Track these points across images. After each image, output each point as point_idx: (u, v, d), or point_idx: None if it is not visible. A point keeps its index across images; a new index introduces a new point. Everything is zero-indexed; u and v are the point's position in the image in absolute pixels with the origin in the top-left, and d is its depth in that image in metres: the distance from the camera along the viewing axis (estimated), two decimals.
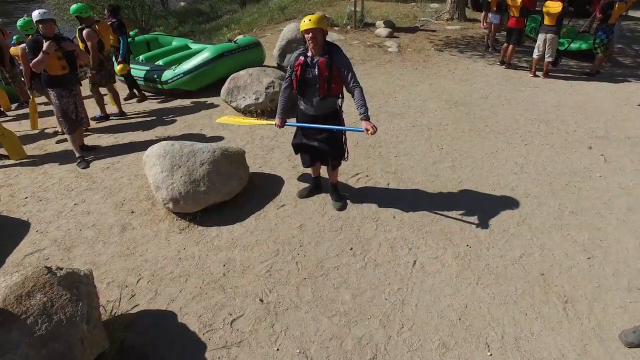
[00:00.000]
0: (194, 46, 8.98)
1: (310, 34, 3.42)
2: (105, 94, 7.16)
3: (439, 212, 3.98)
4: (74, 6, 6.40)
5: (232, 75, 6.53)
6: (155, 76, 7.59)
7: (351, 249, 3.59)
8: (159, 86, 7.63)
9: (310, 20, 3.39)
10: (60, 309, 2.48)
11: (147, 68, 7.67)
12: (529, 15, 8.49)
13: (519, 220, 3.86)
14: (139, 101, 7.73)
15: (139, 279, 3.44)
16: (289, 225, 3.91)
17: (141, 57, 8.45)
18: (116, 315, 3.08)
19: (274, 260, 3.50)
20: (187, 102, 7.38)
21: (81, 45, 6.30)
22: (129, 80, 7.67)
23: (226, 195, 4.10)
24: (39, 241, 4.03)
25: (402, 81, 7.62)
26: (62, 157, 5.64)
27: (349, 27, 11.18)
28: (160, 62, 7.94)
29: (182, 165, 3.99)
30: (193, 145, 4.19)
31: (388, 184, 4.47)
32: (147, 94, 7.93)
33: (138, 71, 7.69)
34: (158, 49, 9.10)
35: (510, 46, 8.13)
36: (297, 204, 4.20)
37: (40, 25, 5.00)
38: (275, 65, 8.34)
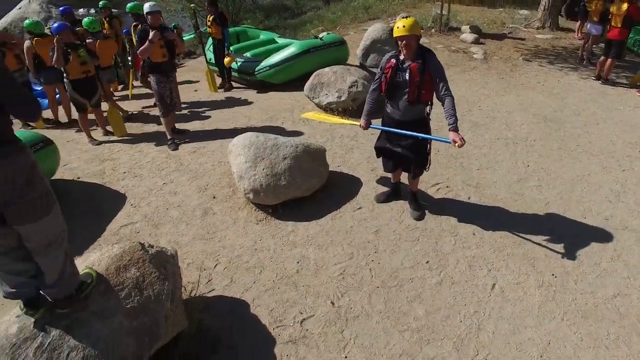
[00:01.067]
0: (280, 40, 9.07)
1: (404, 41, 3.27)
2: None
3: (522, 234, 3.70)
4: (129, 4, 7.04)
5: (316, 72, 6.50)
6: (245, 67, 7.76)
7: (427, 262, 3.43)
8: (247, 77, 7.80)
9: (404, 26, 3.23)
10: (149, 285, 2.56)
11: (242, 60, 7.86)
12: (633, 27, 7.71)
13: (613, 254, 3.48)
14: (226, 90, 7.96)
15: (217, 264, 3.51)
16: (365, 229, 3.81)
17: (231, 48, 8.68)
18: (195, 296, 3.15)
19: (348, 264, 3.42)
20: (271, 94, 7.49)
21: (134, 40, 6.72)
22: (226, 70, 7.89)
23: (305, 191, 4.07)
24: (132, 214, 4.24)
25: (487, 90, 7.22)
26: (155, 138, 5.92)
27: (433, 30, 10.81)
28: (248, 54, 8.11)
29: (265, 158, 4.00)
30: (277, 139, 4.20)
31: (469, 198, 4.22)
32: (234, 84, 8.17)
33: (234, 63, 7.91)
34: (246, 42, 9.31)
35: (609, 60, 7.40)
36: (374, 208, 4.09)
37: (149, 17, 5.26)
38: (358, 64, 8.22)
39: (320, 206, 4.12)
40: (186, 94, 7.77)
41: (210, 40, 8.31)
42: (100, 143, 6.08)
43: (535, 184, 4.46)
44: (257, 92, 7.68)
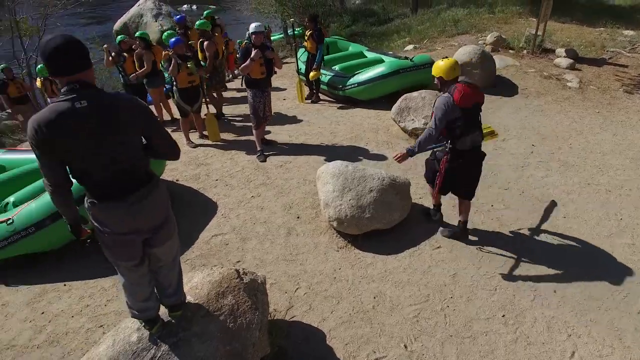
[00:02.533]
0: (369, 54, 9.05)
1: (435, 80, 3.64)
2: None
3: (609, 299, 3.45)
4: (198, 22, 7.43)
5: (404, 96, 6.43)
6: (334, 82, 7.87)
7: (503, 315, 3.32)
8: (335, 92, 7.90)
9: (435, 66, 3.58)
10: (242, 314, 2.73)
11: (332, 74, 7.97)
12: None
13: None
14: (313, 102, 8.13)
15: (297, 288, 3.64)
16: (442, 271, 3.76)
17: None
18: (276, 319, 3.31)
19: (423, 307, 3.41)
20: (357, 111, 7.51)
21: (200, 55, 7.12)
22: (315, 82, 8.04)
23: (386, 224, 4.09)
24: (222, 225, 4.51)
25: (579, 125, 6.73)
26: (246, 147, 6.21)
27: (525, 51, 10.21)
28: (336, 68, 8.20)
29: (353, 189, 4.07)
30: (364, 170, 4.24)
31: (551, 249, 4.01)
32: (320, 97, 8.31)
33: (324, 76, 8.05)
34: (336, 53, 9.39)
35: None
36: (453, 249, 4.01)
37: (253, 36, 5.50)
38: None
39: (400, 241, 4.11)
40: (274, 102, 8.00)
41: (302, 51, 8.50)
42: (197, 146, 6.51)
43: (629, 242, 4.12)
44: (343, 108, 7.75)
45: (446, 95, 3.48)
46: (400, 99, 6.43)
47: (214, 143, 6.56)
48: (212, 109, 7.21)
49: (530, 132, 6.41)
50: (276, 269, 3.86)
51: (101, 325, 3.36)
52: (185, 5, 31.53)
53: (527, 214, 4.50)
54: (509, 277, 3.68)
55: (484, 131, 4.43)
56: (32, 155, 5.20)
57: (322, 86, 8.09)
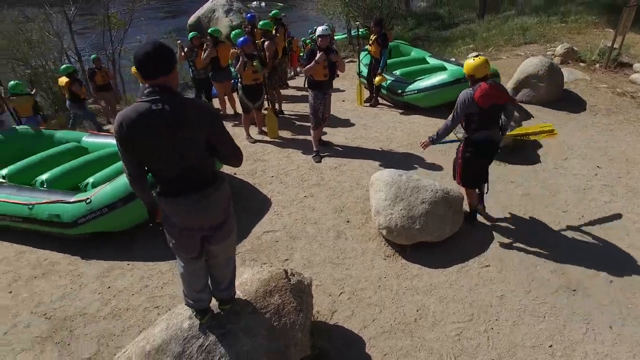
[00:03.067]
0: (431, 61, 8.84)
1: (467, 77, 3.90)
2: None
3: None
4: (261, 22, 7.50)
5: None
6: (394, 87, 7.76)
7: (550, 346, 3.15)
8: (394, 97, 7.79)
9: (466, 64, 3.83)
10: (287, 314, 2.79)
11: (392, 78, 7.87)
12: None
13: None
14: (372, 105, 8.07)
15: (341, 292, 3.66)
16: (490, 291, 3.63)
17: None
18: (318, 321, 3.35)
19: (466, 326, 3.31)
20: (415, 117, 7.35)
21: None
22: (375, 86, 7.98)
23: (436, 237, 4.01)
24: (274, 222, 4.61)
25: None
26: (303, 146, 6.30)
27: (598, 65, 9.52)
28: (397, 72, 8.08)
29: (405, 199, 4.01)
30: (418, 181, 4.16)
31: (611, 282, 3.73)
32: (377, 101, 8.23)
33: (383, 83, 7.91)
34: (398, 57, 9.25)
35: None
36: (502, 269, 3.86)
37: (319, 39, 5.54)
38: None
39: (449, 255, 4.01)
40: (333, 103, 7.99)
41: (364, 53, 8.44)
42: (256, 141, 6.68)
43: None
44: (402, 113, 7.61)
45: (469, 90, 3.76)
46: None
47: (272, 140, 6.70)
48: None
49: (596, 152, 5.99)
50: (322, 271, 3.90)
51: (157, 306, 3.56)
52: (254, 2, 32.31)
53: (586, 241, 4.23)
54: (561, 305, 3.48)
55: (544, 129, 4.68)
56: (112, 140, 5.64)
57: (381, 90, 8.00)
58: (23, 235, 4.59)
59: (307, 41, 17.02)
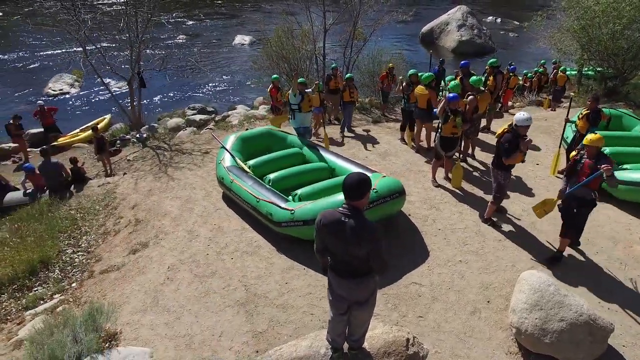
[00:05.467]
0: None
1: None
2: None
3: None
4: (473, 78, 7.76)
5: None
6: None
7: None
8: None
9: (590, 139, 4.68)
10: None
11: None
12: None
13: None
14: None
15: None
16: None
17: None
18: None
19: None
20: (606, 208, 6.55)
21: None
22: None
23: (564, 358, 3.96)
24: (424, 276, 5.17)
25: None
26: (477, 204, 6.53)
27: None
28: (606, 151, 7.13)
29: (544, 310, 4.06)
30: (565, 297, 4.11)
31: None
32: None
33: None
34: (615, 131, 8.09)
35: None
36: None
37: (518, 127, 5.42)
38: None
39: None
40: (525, 164, 7.60)
41: (570, 125, 7.70)
42: (439, 186, 7.17)
43: None
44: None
45: None
46: None
47: (454, 189, 7.06)
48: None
49: None
50: (447, 340, 4.34)
51: (312, 314, 4.64)
52: (490, 17, 30.76)
53: None
54: None
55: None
56: (327, 154, 7.01)
57: None
58: (249, 215, 6.29)
59: (529, 74, 15.81)
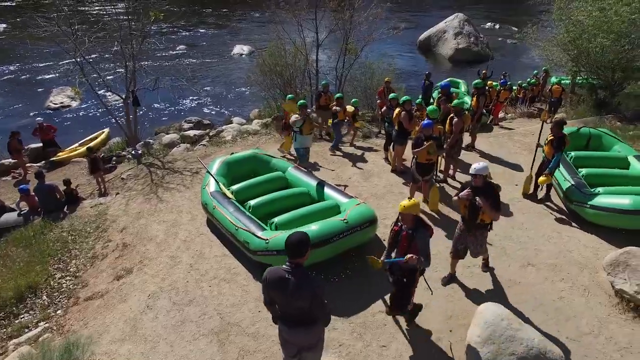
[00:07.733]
0: (637, 165, 7.55)
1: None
2: None
3: None
4: (455, 101, 8.16)
5: (628, 249, 5.45)
6: (570, 192, 7.02)
7: None
8: (566, 202, 7.17)
9: (404, 206, 4.21)
10: None
11: (571, 177, 7.24)
12: None
13: None
14: (541, 201, 7.61)
15: None
16: None
17: (572, 154, 7.95)
18: None
19: None
20: (575, 232, 6.73)
21: (447, 127, 7.82)
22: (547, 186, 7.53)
23: None
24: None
25: None
26: (452, 229, 6.64)
27: None
28: (582, 172, 7.33)
29: (495, 344, 4.26)
30: (517, 331, 4.30)
31: None
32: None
33: (563, 180, 7.30)
34: (593, 152, 8.23)
35: None
36: None
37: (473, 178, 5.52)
38: None
39: None
40: (505, 186, 7.69)
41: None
42: None
43: None
44: (563, 222, 7.05)
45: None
46: (621, 251, 5.48)
47: (430, 212, 7.27)
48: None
49: None
50: None
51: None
52: (488, 24, 30.81)
53: None
54: None
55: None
56: (308, 179, 7.23)
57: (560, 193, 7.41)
58: (229, 241, 6.54)
59: (524, 85, 15.93)
